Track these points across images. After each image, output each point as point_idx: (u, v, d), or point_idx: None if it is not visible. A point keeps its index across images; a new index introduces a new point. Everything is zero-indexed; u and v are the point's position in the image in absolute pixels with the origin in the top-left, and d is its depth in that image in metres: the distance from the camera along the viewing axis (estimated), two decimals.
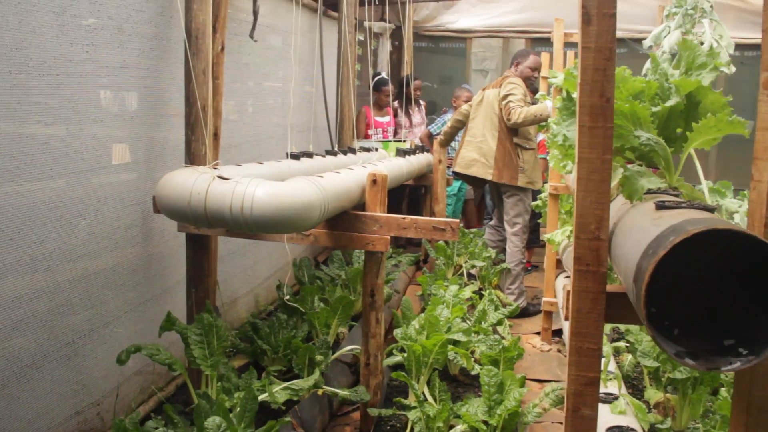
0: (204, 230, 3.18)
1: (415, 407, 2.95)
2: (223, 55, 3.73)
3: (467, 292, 4.54)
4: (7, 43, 2.36)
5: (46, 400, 2.69)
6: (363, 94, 6.95)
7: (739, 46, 4.36)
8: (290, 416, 2.90)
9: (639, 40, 7.33)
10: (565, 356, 4.59)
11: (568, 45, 4.66)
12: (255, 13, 3.84)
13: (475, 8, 8.35)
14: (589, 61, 1.34)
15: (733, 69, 2.47)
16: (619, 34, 4.70)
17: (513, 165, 5.23)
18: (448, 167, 6.25)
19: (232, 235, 3.23)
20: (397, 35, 8.07)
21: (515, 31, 8.33)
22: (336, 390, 3.23)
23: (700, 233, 1.08)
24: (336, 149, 4.41)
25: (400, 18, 7.63)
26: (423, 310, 4.71)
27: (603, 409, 2.91)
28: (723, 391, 2.96)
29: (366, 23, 6.27)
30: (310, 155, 3.75)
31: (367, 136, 6.73)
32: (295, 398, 2.99)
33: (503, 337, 4.20)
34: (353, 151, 4.61)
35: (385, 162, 4.26)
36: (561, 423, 3.41)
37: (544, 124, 5.78)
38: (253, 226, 2.45)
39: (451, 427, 3.00)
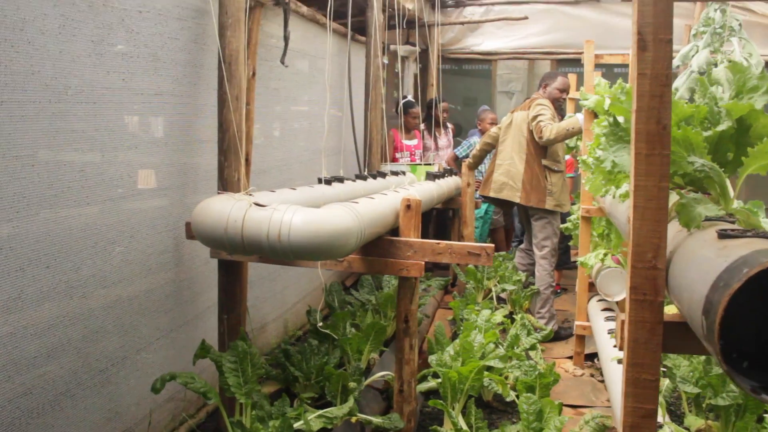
0: (237, 256, 3.17)
1: None
2: (255, 80, 3.76)
3: (498, 316, 4.48)
4: (48, 72, 2.38)
5: (80, 429, 2.67)
6: (389, 117, 6.96)
7: None
8: None
9: None
10: (600, 381, 4.52)
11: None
12: (286, 39, 3.86)
13: (500, 30, 8.36)
14: (646, 87, 1.31)
15: None
16: None
17: (540, 188, 5.19)
18: (476, 189, 6.22)
19: (266, 261, 3.21)
20: (422, 58, 8.10)
21: (541, 52, 8.33)
22: (369, 418, 3.18)
23: None
24: (366, 173, 4.39)
25: (426, 41, 7.65)
26: (455, 334, 4.66)
27: None
28: None
29: (393, 47, 6.29)
30: (341, 180, 3.74)
31: (394, 160, 6.72)
32: (330, 426, 2.95)
33: (536, 362, 4.13)
34: (383, 175, 4.60)
35: (416, 186, 4.24)
36: None
37: (572, 145, 5.76)
38: (290, 254, 2.43)
39: None
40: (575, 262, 7.36)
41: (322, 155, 3.68)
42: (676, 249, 1.45)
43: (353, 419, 3.14)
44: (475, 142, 6.97)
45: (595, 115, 4.28)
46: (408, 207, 3.10)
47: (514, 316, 5.03)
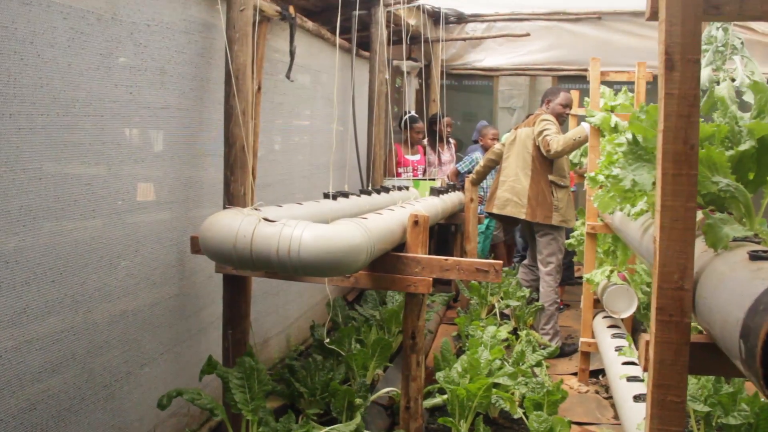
0: (242, 271, 3.15)
1: None
2: (260, 95, 3.75)
3: (503, 332, 4.45)
4: (56, 85, 2.37)
5: None
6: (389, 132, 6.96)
7: None
8: None
9: None
10: (605, 398, 4.49)
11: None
12: (292, 54, 3.86)
13: (502, 47, 8.38)
14: (673, 107, 1.30)
15: None
16: (648, 71, 4.67)
17: (547, 204, 5.17)
18: (480, 204, 6.22)
19: (272, 276, 3.19)
20: (423, 73, 8.11)
21: (542, 68, 8.34)
22: None
23: None
24: (370, 188, 4.38)
25: (426, 56, 7.67)
26: (459, 350, 4.63)
27: None
28: None
29: (395, 62, 6.30)
30: (346, 195, 3.72)
31: (396, 175, 6.71)
32: None
33: (542, 379, 4.10)
34: (386, 190, 4.58)
35: (422, 202, 4.22)
36: None
37: (575, 161, 5.75)
38: (300, 270, 2.41)
39: None
40: (579, 278, 7.35)
41: (330, 170, 3.66)
42: (702, 270, 1.43)
43: None
44: (477, 157, 6.96)
45: (601, 132, 4.29)
46: (416, 223, 3.09)
47: (519, 332, 5.00)
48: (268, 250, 2.40)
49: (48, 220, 2.39)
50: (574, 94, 5.76)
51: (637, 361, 3.42)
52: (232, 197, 3.20)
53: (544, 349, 4.45)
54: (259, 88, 3.80)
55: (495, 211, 5.45)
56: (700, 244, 1.50)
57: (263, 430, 2.82)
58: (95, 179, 2.65)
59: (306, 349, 4.91)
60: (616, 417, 4.05)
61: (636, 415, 2.79)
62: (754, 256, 1.28)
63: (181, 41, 3.15)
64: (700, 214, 1.53)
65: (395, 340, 4.42)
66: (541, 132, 5.14)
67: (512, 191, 5.31)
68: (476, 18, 8.09)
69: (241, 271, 3.10)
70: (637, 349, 3.76)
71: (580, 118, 5.49)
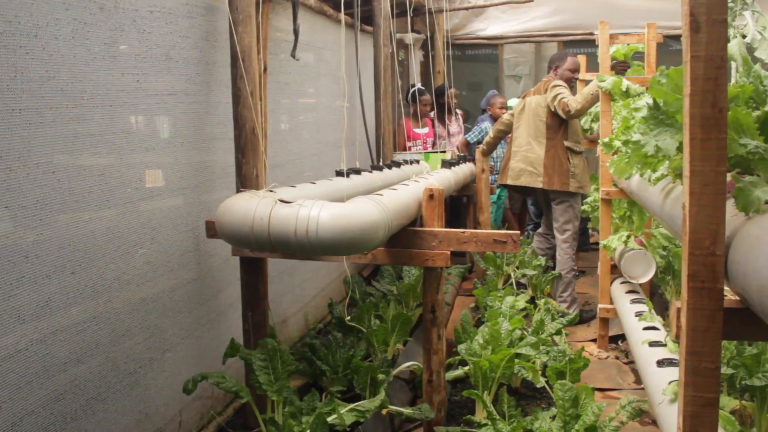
0: (258, 253, 3.15)
1: (486, 424, 2.87)
2: (266, 75, 3.72)
3: (521, 302, 4.45)
4: (63, 77, 2.35)
5: None
6: (398, 106, 6.91)
7: None
8: None
9: (675, 37, 7.20)
10: (625, 363, 4.50)
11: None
12: (296, 32, 3.82)
13: (505, 14, 8.28)
14: (700, 70, 1.27)
15: None
16: (658, 31, 4.60)
17: (564, 170, 5.11)
18: (491, 174, 6.19)
19: (288, 257, 3.19)
20: (425, 45, 8.03)
21: (547, 35, 8.24)
22: (400, 409, 3.17)
23: None
24: (381, 164, 4.36)
25: (430, 28, 7.59)
26: (478, 321, 4.64)
27: None
28: None
29: (400, 35, 6.23)
30: (358, 172, 3.71)
31: (406, 149, 6.68)
32: (362, 419, 2.93)
33: (563, 348, 4.11)
34: (397, 164, 4.56)
35: (435, 175, 4.20)
36: None
37: (586, 127, 5.70)
38: (318, 250, 2.40)
39: None
40: (594, 244, 7.33)
41: (340, 147, 3.64)
42: (734, 234, 1.41)
43: (384, 411, 3.13)
44: (486, 127, 6.91)
45: (612, 97, 4.23)
46: (431, 197, 3.07)
47: (536, 301, 5.00)
48: (286, 231, 2.39)
49: (64, 212, 2.39)
50: (581, 59, 5.68)
51: (658, 326, 3.41)
52: (245, 180, 3.19)
53: (562, 317, 4.44)
54: (265, 69, 3.77)
55: (509, 182, 5.40)
56: (729, 209, 1.48)
57: (289, 410, 2.84)
58: (108, 169, 2.64)
59: (324, 327, 4.93)
60: (637, 382, 4.06)
61: (660, 380, 2.78)
62: None
63: (185, 26, 3.13)
64: (728, 177, 1.50)
65: (414, 314, 4.42)
66: (555, 97, 5.07)
67: (526, 161, 5.25)
68: None
69: (258, 253, 3.10)
70: (658, 314, 3.75)
71: (586, 83, 5.43)
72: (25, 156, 2.21)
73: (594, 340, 4.85)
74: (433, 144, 6.98)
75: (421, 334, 3.52)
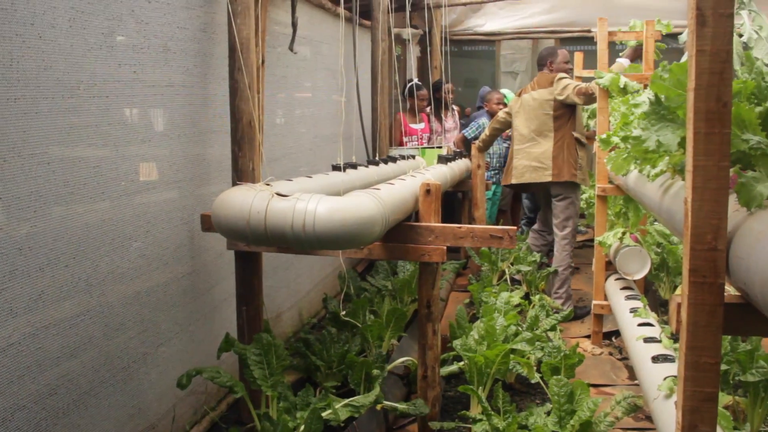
0: (254, 247, 3.13)
1: (480, 420, 2.87)
2: (264, 68, 3.70)
3: (516, 298, 4.45)
4: (60, 67, 2.33)
5: (105, 427, 2.65)
6: (394, 101, 6.89)
7: None
8: None
9: (673, 35, 7.20)
10: (619, 359, 4.50)
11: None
12: (294, 26, 3.80)
13: (503, 10, 8.27)
14: (705, 64, 1.26)
15: None
16: (657, 29, 4.59)
17: (573, 160, 5.09)
18: (486, 171, 6.18)
19: (284, 251, 3.17)
20: (423, 41, 8.02)
21: (544, 31, 8.23)
22: (394, 404, 3.16)
23: None
24: (377, 158, 4.35)
25: (428, 23, 7.57)
26: (473, 317, 4.63)
27: None
28: None
29: (398, 30, 6.22)
30: (355, 166, 3.69)
31: (402, 144, 6.67)
32: (356, 415, 2.93)
33: (558, 343, 4.11)
34: (393, 159, 4.55)
35: (431, 170, 4.19)
36: (632, 430, 3.33)
37: (583, 124, 5.69)
38: (315, 244, 2.39)
39: None
40: (588, 240, 7.33)
41: (337, 141, 3.63)
42: (736, 230, 1.41)
43: (378, 406, 3.12)
44: (483, 123, 6.90)
45: (609, 94, 4.23)
46: (428, 192, 3.06)
47: (531, 297, 5.00)
48: (283, 225, 2.38)
49: (58, 204, 2.37)
50: (579, 56, 5.68)
51: (653, 322, 3.41)
52: (241, 173, 3.17)
53: (557, 313, 4.44)
54: (263, 62, 3.75)
55: (514, 181, 5.36)
56: (730, 204, 1.47)
57: (283, 405, 2.83)
58: (103, 161, 2.62)
59: (318, 322, 4.92)
60: (631, 378, 4.07)
61: (655, 376, 2.78)
62: None
63: (183, 17, 3.10)
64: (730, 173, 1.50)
65: (409, 310, 4.42)
66: (566, 87, 5.05)
67: (530, 157, 5.22)
68: None
69: (253, 247, 3.09)
70: (652, 310, 3.76)
71: (584, 80, 5.42)
72: (19, 146, 2.18)
73: (588, 337, 4.85)
74: (429, 139, 6.97)
75: (415, 330, 3.51)
